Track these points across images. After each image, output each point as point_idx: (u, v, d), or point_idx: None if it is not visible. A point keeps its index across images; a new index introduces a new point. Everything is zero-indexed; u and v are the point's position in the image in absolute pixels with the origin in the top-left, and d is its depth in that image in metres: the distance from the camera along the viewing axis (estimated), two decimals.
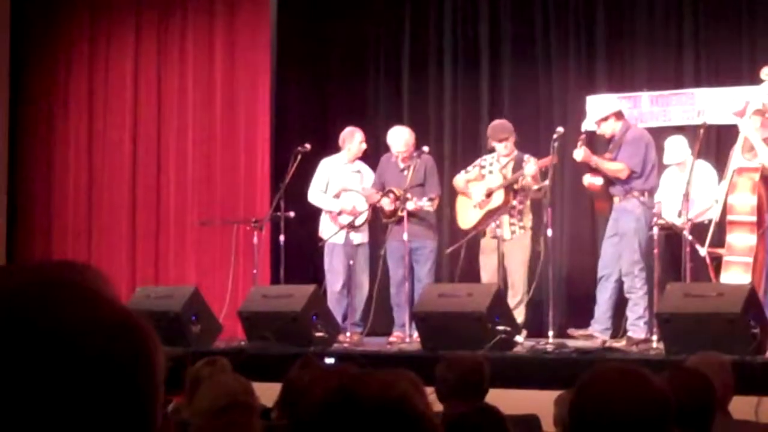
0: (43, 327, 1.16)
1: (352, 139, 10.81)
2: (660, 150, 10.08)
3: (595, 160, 9.61)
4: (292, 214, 10.69)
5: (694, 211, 9.51)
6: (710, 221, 9.38)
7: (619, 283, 9.69)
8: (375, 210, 10.61)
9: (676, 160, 10.00)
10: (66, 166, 13.13)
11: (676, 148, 10.05)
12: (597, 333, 9.65)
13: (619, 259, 9.63)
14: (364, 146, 10.85)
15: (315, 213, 11.08)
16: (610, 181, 9.68)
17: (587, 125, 9.88)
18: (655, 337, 9.04)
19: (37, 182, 13.21)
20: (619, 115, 9.82)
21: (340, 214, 10.66)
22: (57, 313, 1.17)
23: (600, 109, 9.83)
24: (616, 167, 9.57)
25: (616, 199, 9.69)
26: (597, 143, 10.28)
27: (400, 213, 10.18)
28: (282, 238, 10.64)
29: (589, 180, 9.73)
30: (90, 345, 1.17)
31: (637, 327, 9.54)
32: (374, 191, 10.59)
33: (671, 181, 10.01)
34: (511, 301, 9.89)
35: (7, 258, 13.00)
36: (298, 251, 11.17)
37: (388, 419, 1.45)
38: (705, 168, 9.90)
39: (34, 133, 13.25)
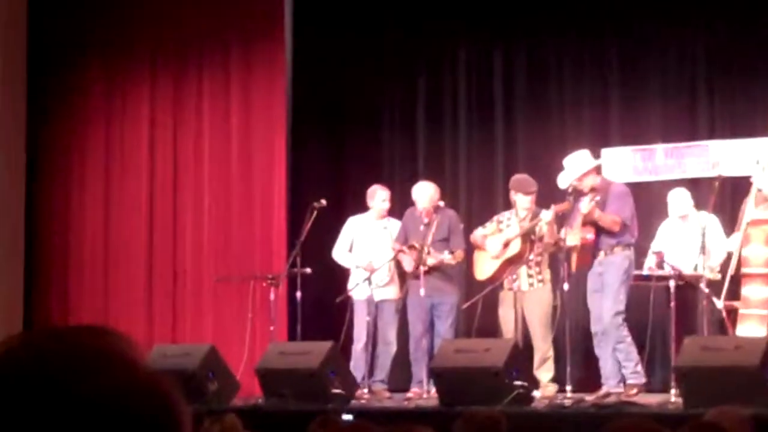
0: (78, 394, 1.19)
1: (374, 197, 10.87)
2: (664, 203, 10.15)
3: (599, 213, 9.63)
4: (308, 270, 10.69)
5: (712, 264, 9.50)
6: (724, 274, 9.39)
7: None
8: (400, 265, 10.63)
9: (680, 212, 10.07)
10: (82, 224, 13.15)
11: (680, 200, 10.12)
12: (612, 389, 9.61)
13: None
14: (387, 204, 10.89)
15: (332, 269, 11.09)
16: (597, 235, 9.70)
17: (562, 182, 9.85)
18: (673, 391, 9.01)
19: (54, 241, 13.22)
20: (599, 170, 9.90)
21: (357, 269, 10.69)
22: (91, 379, 1.20)
23: (580, 164, 9.84)
24: (615, 219, 9.61)
25: (601, 254, 9.69)
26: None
27: (422, 267, 10.18)
28: (299, 294, 10.63)
29: (586, 236, 9.73)
30: (124, 411, 1.20)
31: (637, 374, 9.58)
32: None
33: (671, 232, 10.05)
34: (536, 355, 9.88)
35: (25, 317, 13.01)
36: (315, 307, 11.16)
37: None
38: (711, 221, 9.91)
39: (51, 192, 13.29)
